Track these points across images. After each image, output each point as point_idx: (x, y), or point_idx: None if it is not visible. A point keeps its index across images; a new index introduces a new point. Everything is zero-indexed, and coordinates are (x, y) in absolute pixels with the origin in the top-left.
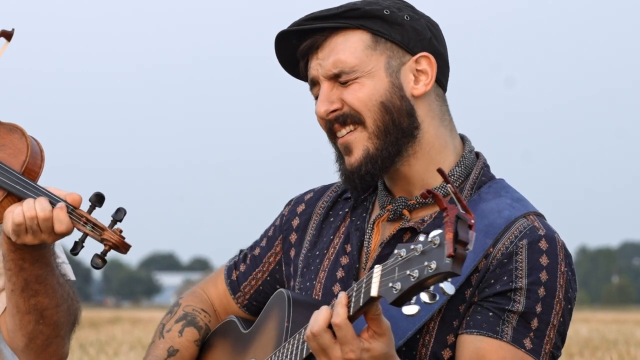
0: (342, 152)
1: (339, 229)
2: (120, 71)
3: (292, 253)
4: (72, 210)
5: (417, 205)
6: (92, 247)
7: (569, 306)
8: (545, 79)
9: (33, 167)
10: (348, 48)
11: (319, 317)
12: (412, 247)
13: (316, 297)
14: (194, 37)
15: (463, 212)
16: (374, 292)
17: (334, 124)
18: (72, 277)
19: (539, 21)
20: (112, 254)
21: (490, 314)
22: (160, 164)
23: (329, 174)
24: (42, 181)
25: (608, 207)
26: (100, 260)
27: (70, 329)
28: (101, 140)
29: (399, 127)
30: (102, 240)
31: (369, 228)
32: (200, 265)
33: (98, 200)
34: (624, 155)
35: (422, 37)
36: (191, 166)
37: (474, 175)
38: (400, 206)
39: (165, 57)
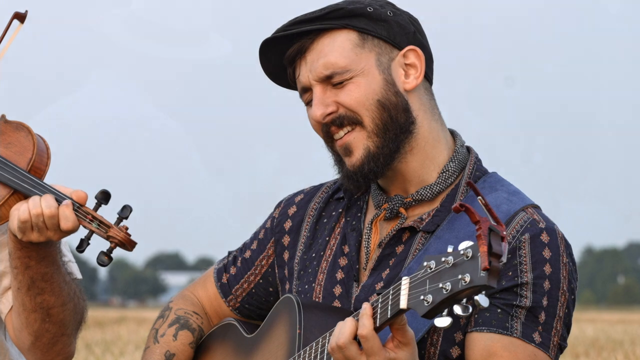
0: (341, 154)
1: (334, 230)
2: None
3: (286, 256)
4: (78, 207)
5: (413, 203)
6: (98, 244)
7: (572, 297)
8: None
9: (39, 165)
10: (336, 49)
11: (344, 329)
12: (442, 259)
13: (317, 300)
14: None
15: (495, 224)
16: (403, 304)
17: (331, 126)
18: (79, 275)
19: None
20: (118, 253)
21: (499, 310)
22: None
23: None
24: (48, 179)
25: (614, 208)
26: (106, 257)
27: (76, 328)
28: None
29: (396, 123)
30: (108, 238)
31: (367, 228)
32: (206, 265)
33: (104, 197)
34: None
35: (407, 32)
36: (192, 166)
37: (468, 170)
38: (397, 204)
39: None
